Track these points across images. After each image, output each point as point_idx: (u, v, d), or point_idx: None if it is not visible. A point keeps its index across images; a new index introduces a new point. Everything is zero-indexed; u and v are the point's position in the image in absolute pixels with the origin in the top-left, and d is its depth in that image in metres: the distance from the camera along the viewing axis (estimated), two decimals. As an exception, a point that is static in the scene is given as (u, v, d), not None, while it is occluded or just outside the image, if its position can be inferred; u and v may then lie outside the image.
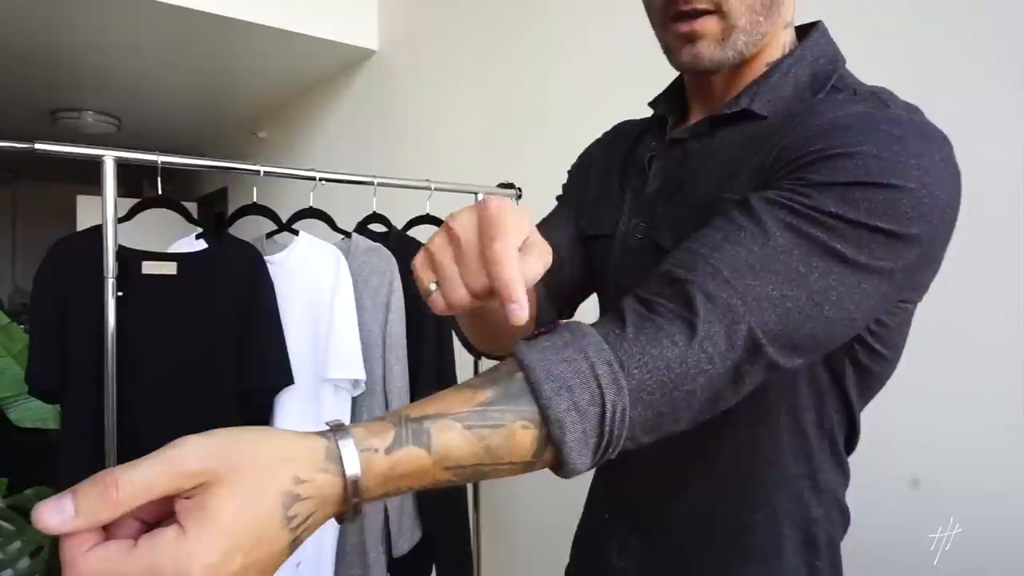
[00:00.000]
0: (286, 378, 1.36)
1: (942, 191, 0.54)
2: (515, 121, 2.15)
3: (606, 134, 0.87)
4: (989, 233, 1.14)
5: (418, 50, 2.65)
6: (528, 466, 0.46)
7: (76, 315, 1.24)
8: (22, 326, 2.41)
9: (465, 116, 2.38)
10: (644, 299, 0.51)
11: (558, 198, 0.87)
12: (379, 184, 1.55)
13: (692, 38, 0.61)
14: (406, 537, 1.47)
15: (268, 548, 0.37)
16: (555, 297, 0.78)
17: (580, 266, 0.78)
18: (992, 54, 1.14)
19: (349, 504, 0.40)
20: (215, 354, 1.32)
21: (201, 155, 1.49)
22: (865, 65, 1.33)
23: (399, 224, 1.64)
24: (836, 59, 0.66)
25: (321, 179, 1.47)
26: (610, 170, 0.78)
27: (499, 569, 1.95)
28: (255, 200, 1.47)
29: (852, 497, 1.38)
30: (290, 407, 1.41)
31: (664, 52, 0.67)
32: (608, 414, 0.45)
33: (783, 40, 0.67)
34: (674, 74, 0.75)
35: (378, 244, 1.52)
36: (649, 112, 0.80)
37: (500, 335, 0.67)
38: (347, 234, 1.56)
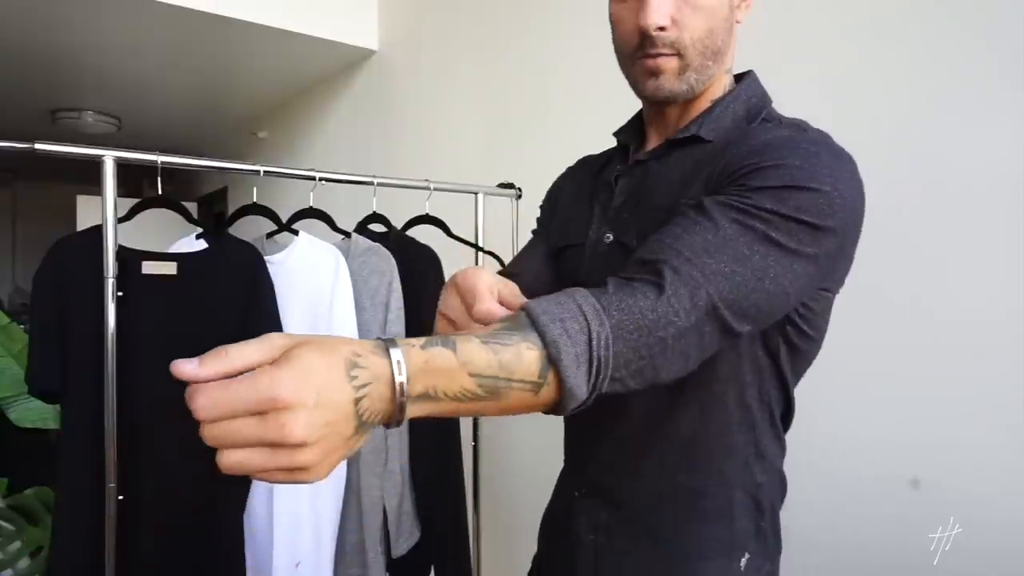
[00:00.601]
0: (286, 378, 1.36)
1: (850, 195, 0.69)
2: (515, 121, 2.15)
3: (571, 168, 1.01)
4: (988, 233, 1.14)
5: (418, 50, 2.65)
6: (536, 388, 0.55)
7: (76, 315, 1.24)
8: (22, 326, 2.41)
9: (465, 116, 2.38)
10: (622, 277, 0.63)
11: (533, 231, 1.01)
12: (379, 184, 1.55)
13: (656, 72, 0.77)
14: (405, 537, 1.47)
15: (336, 397, 0.45)
16: None
17: (552, 281, 0.91)
18: (993, 54, 1.14)
19: (396, 387, 0.48)
20: (215, 354, 1.32)
21: (201, 155, 1.49)
22: (866, 64, 1.33)
23: (399, 224, 1.64)
24: (765, 98, 0.82)
25: (321, 179, 1.47)
26: (579, 193, 0.92)
27: (499, 570, 1.95)
28: (255, 200, 1.47)
29: (852, 497, 1.38)
30: (290, 407, 1.41)
31: (631, 86, 0.82)
32: (594, 341, 0.56)
33: (724, 82, 0.83)
34: (638, 104, 0.89)
35: (377, 244, 1.52)
36: (610, 142, 0.94)
37: None
38: (347, 234, 1.56)
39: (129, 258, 1.28)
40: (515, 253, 1.02)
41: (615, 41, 0.81)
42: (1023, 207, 1.10)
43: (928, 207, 1.21)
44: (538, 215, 1.01)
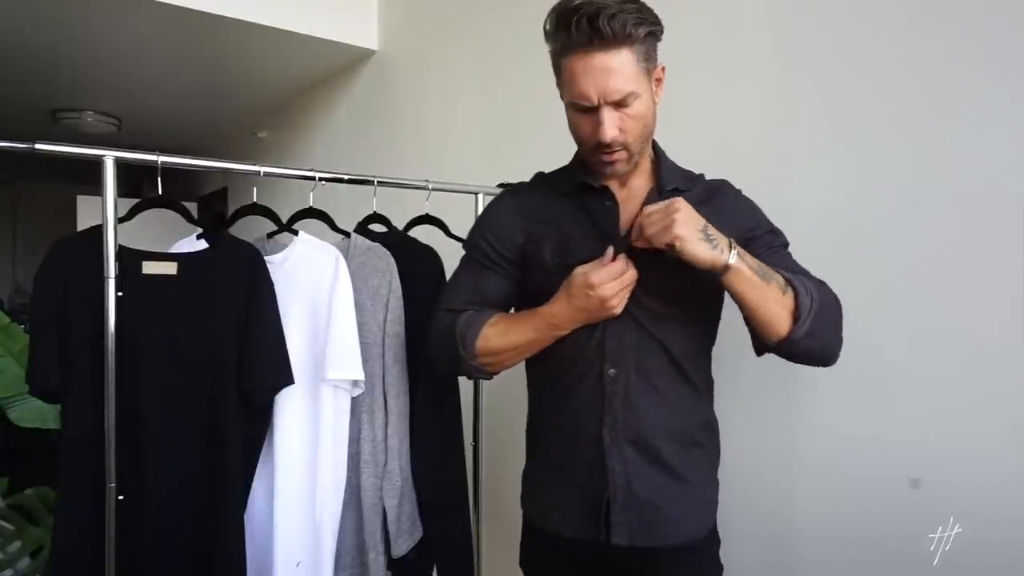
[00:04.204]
0: (286, 378, 1.36)
1: None
2: (515, 121, 2.15)
3: (508, 201, 1.23)
4: (988, 234, 1.14)
5: (418, 50, 2.65)
6: (783, 292, 0.99)
7: (76, 315, 1.24)
8: (22, 326, 2.41)
9: (465, 116, 2.38)
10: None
11: (477, 260, 1.19)
12: (379, 184, 1.55)
13: (612, 163, 1.07)
14: (405, 538, 1.47)
15: (699, 221, 0.99)
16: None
17: (510, 303, 1.22)
18: (994, 55, 1.14)
19: (730, 242, 0.99)
20: (215, 354, 1.32)
21: (201, 155, 1.49)
22: (868, 65, 1.33)
23: (399, 224, 1.64)
24: (673, 162, 1.20)
25: (321, 179, 1.47)
26: (555, 219, 1.15)
27: (500, 570, 1.95)
28: (255, 200, 1.47)
29: (852, 497, 1.38)
30: (289, 407, 1.40)
31: (587, 164, 1.12)
32: (806, 284, 1.02)
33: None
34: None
35: (377, 244, 1.52)
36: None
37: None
38: (347, 234, 1.56)
39: (129, 258, 1.28)
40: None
41: (574, 135, 1.09)
42: (1022, 208, 1.10)
43: (927, 208, 1.21)
44: (483, 247, 1.18)
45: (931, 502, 1.19)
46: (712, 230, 0.98)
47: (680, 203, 0.98)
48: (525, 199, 1.20)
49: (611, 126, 1.01)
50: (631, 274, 1.03)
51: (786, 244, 1.14)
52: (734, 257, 0.96)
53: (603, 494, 1.08)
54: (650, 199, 1.09)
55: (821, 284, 1.07)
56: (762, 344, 1.07)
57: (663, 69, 1.08)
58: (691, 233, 0.95)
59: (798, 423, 1.41)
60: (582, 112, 1.04)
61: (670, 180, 1.12)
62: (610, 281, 1.01)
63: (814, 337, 1.00)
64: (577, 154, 1.19)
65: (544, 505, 1.18)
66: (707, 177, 1.19)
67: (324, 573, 1.40)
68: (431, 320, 1.20)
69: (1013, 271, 1.11)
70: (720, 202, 1.12)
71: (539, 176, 1.26)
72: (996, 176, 1.13)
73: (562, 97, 1.08)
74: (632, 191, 1.13)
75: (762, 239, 1.10)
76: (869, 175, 1.29)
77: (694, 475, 1.12)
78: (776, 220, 1.16)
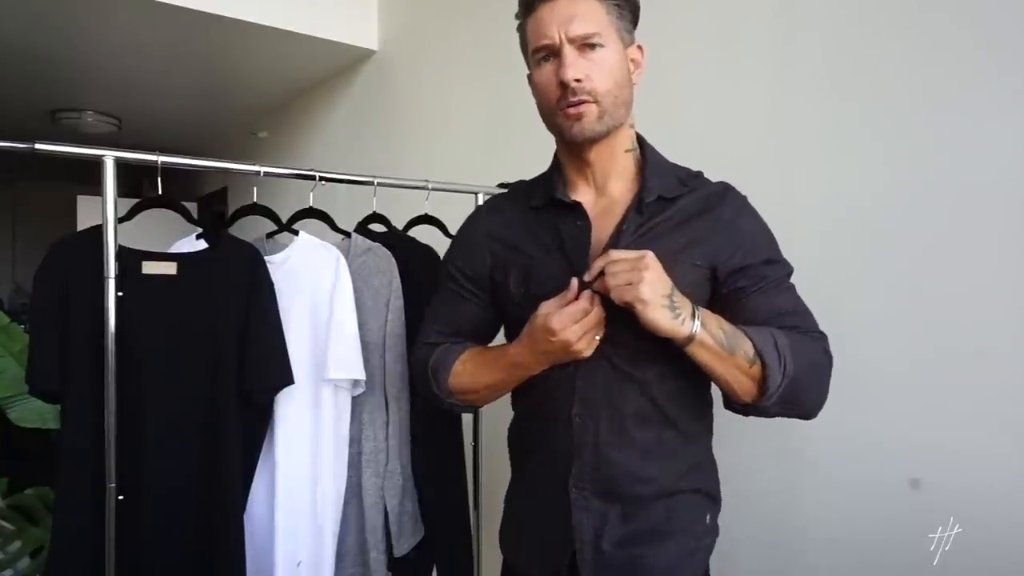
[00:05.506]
0: (286, 378, 1.36)
1: None
2: (515, 121, 2.15)
3: (479, 220, 1.14)
4: (988, 234, 1.14)
5: (418, 50, 2.65)
6: (751, 364, 0.89)
7: (76, 315, 1.24)
8: (22, 326, 2.41)
9: (465, 116, 2.38)
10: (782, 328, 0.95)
11: (452, 285, 1.12)
12: (379, 184, 1.55)
13: (579, 117, 0.95)
14: (407, 537, 1.47)
15: (666, 285, 0.87)
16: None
17: (490, 330, 1.14)
18: (994, 55, 1.14)
19: (695, 310, 0.88)
20: (215, 354, 1.32)
21: (201, 155, 1.49)
22: (869, 65, 1.33)
23: (399, 224, 1.64)
24: (666, 159, 1.06)
25: (321, 179, 1.47)
26: (525, 243, 1.04)
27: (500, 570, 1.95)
28: (255, 200, 1.47)
29: (853, 497, 1.38)
30: (290, 407, 1.40)
31: (556, 133, 1.02)
32: (782, 352, 0.90)
33: (630, 135, 1.03)
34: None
35: (377, 244, 1.52)
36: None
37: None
38: (347, 234, 1.56)
39: (129, 258, 1.28)
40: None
41: (540, 102, 1.01)
42: (1022, 207, 1.10)
43: (927, 208, 1.21)
44: (453, 273, 1.12)
45: (931, 502, 1.19)
46: (678, 296, 0.87)
47: (650, 259, 0.86)
48: (496, 217, 1.11)
49: (573, 65, 0.92)
50: (596, 314, 0.90)
51: (789, 274, 1.00)
52: (697, 328, 0.87)
53: (568, 549, 0.98)
54: (627, 216, 0.98)
55: (812, 340, 0.96)
56: (729, 404, 0.98)
57: (640, 49, 1.00)
58: (655, 298, 0.85)
59: (798, 425, 1.41)
60: (546, 62, 0.96)
61: (654, 187, 0.98)
62: (572, 324, 0.88)
63: (786, 405, 0.93)
64: (555, 158, 1.10)
65: (513, 541, 1.11)
66: (709, 178, 1.07)
67: (325, 573, 1.40)
68: (411, 353, 1.14)
69: (1014, 272, 1.11)
70: (718, 215, 0.98)
71: (518, 185, 1.18)
72: (998, 177, 1.13)
73: (529, 75, 1.02)
74: (612, 200, 1.01)
75: (754, 272, 0.96)
76: (871, 176, 1.29)
77: (678, 524, 0.98)
78: (776, 221, 1.16)
